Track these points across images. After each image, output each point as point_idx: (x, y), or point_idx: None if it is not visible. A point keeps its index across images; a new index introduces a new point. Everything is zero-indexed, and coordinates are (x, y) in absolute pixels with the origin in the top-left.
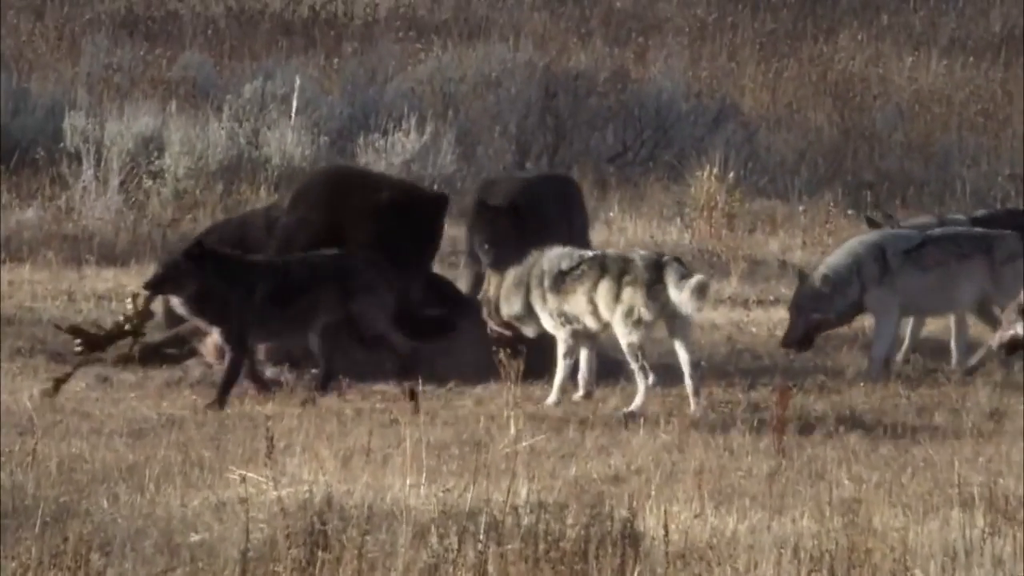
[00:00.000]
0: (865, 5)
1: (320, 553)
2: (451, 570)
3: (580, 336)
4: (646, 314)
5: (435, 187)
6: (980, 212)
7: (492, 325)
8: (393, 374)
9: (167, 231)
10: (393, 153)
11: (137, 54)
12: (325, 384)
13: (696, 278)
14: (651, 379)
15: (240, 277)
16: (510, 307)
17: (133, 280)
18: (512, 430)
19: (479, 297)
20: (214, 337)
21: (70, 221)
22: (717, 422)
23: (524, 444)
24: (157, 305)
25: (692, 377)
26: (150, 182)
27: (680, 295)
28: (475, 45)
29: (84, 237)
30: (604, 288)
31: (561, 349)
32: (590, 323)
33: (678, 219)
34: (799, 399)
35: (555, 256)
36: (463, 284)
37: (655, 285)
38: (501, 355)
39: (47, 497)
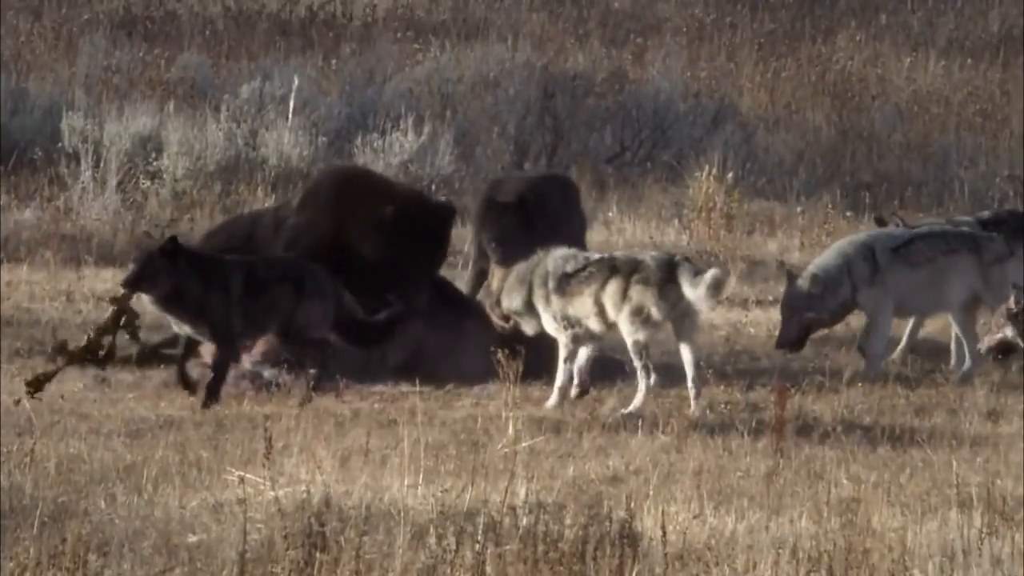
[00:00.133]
0: (864, 5)
1: (318, 554)
2: (449, 571)
3: (582, 339)
4: (656, 314)
5: (433, 187)
6: (985, 213)
7: (494, 318)
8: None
9: (165, 231)
10: (391, 153)
11: (135, 54)
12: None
13: (712, 272)
14: (653, 379)
15: (212, 275)
16: (511, 301)
17: None
18: (510, 431)
19: (480, 295)
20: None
21: (68, 221)
22: (715, 423)
23: (522, 445)
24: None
25: (695, 379)
26: (148, 182)
27: (696, 291)
28: (473, 45)
29: (82, 237)
30: (612, 288)
31: (562, 353)
32: (595, 326)
33: (676, 220)
34: (797, 399)
35: (560, 257)
36: (463, 285)
37: (667, 285)
38: (500, 355)
39: (45, 497)
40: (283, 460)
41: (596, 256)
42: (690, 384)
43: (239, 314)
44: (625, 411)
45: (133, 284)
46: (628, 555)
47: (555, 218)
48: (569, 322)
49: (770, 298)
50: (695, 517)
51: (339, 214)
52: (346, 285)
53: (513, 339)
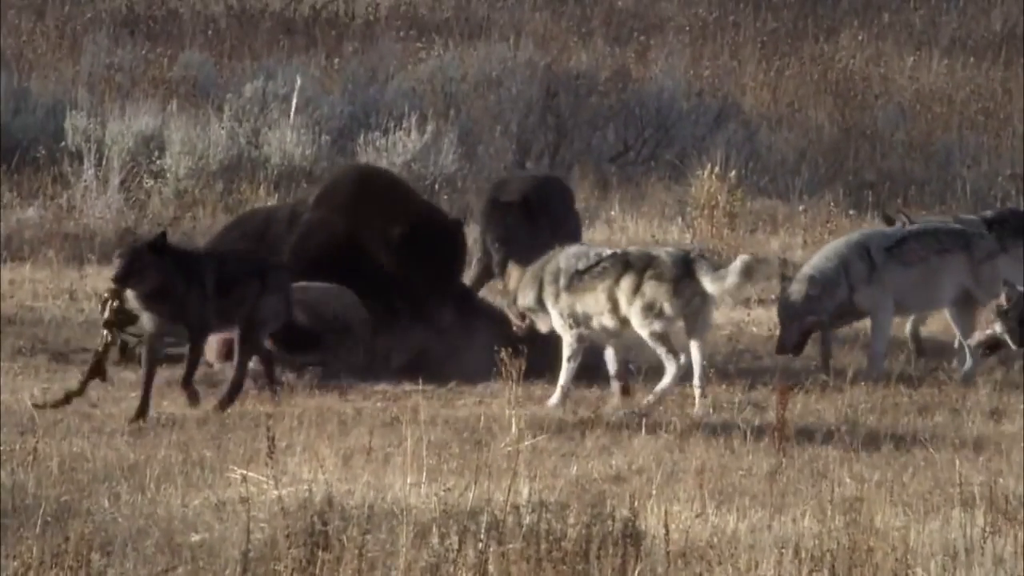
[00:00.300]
0: (866, 4)
1: (321, 553)
2: (452, 570)
3: (596, 338)
4: (669, 309)
5: (436, 186)
6: (990, 212)
7: (511, 316)
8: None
9: (168, 230)
10: (394, 152)
11: (138, 53)
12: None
13: (741, 258)
14: (682, 359)
15: (191, 270)
16: (524, 298)
17: None
18: (513, 430)
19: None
20: (216, 337)
21: (71, 220)
22: (718, 422)
23: (525, 443)
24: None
25: (700, 378)
26: (151, 181)
27: (727, 281)
28: (476, 44)
29: (85, 236)
30: (626, 283)
31: (566, 352)
32: (608, 322)
33: (679, 218)
34: (800, 398)
35: (572, 254)
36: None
37: (681, 281)
38: (502, 354)
39: (48, 496)
40: (286, 459)
41: (609, 252)
42: (696, 383)
43: (212, 308)
44: (651, 398)
45: (123, 280)
46: (631, 554)
47: (555, 218)
48: (576, 320)
49: (772, 297)
50: (698, 516)
51: (353, 215)
52: (353, 286)
53: (516, 338)
